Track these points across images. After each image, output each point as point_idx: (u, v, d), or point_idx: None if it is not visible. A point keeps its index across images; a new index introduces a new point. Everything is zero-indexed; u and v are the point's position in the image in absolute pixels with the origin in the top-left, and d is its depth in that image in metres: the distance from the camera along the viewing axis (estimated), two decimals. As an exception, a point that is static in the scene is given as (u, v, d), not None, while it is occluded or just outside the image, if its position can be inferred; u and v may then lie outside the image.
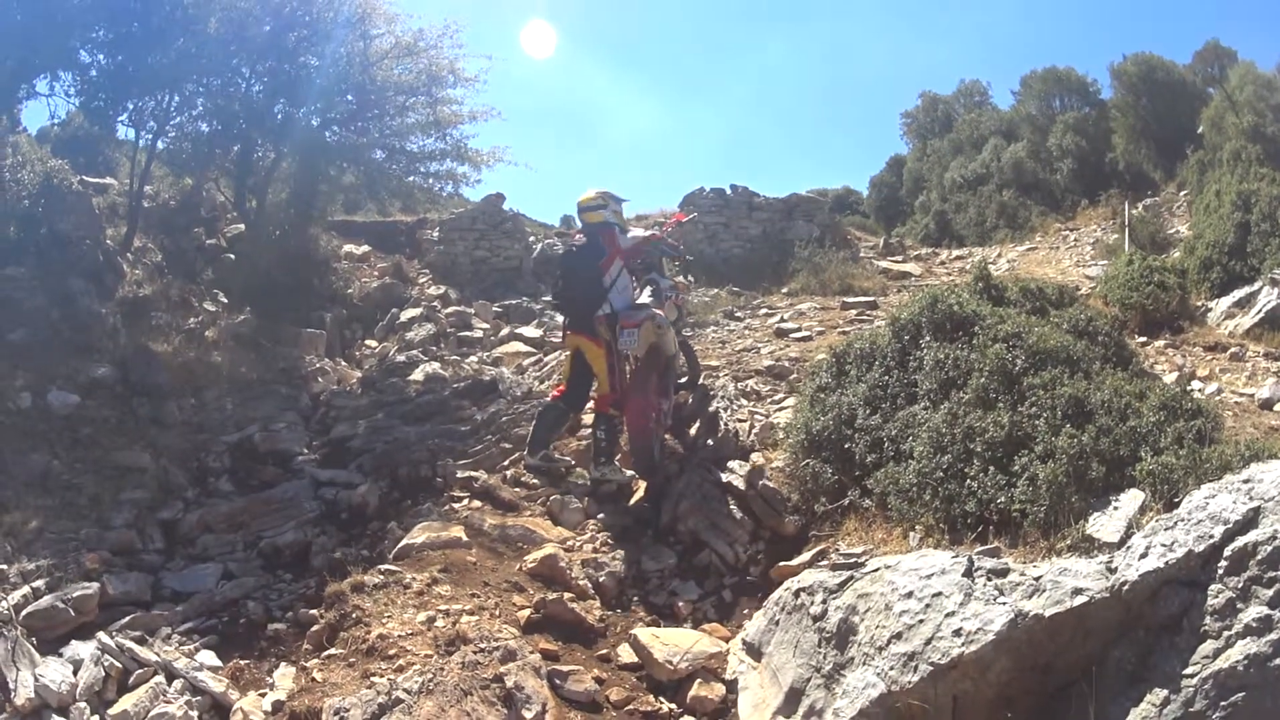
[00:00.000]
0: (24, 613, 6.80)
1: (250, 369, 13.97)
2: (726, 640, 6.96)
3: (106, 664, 6.41)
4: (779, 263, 20.11)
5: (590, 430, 9.92)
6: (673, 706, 6.26)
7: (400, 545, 7.93)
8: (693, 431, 10.22)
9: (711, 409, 10.24)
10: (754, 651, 6.53)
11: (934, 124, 36.74)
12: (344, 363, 16.02)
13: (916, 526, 6.90)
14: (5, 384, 10.62)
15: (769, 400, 10.83)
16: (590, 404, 9.90)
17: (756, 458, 9.13)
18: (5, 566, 7.40)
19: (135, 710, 6.03)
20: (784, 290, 18.42)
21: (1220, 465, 5.97)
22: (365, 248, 22.21)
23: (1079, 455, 6.46)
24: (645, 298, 9.83)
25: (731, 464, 9.04)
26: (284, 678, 6.41)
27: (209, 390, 12.86)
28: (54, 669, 6.20)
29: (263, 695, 6.25)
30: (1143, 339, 12.52)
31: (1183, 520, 5.28)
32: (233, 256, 17.76)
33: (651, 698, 6.31)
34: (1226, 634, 4.66)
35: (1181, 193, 22.62)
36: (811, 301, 16.79)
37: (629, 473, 9.52)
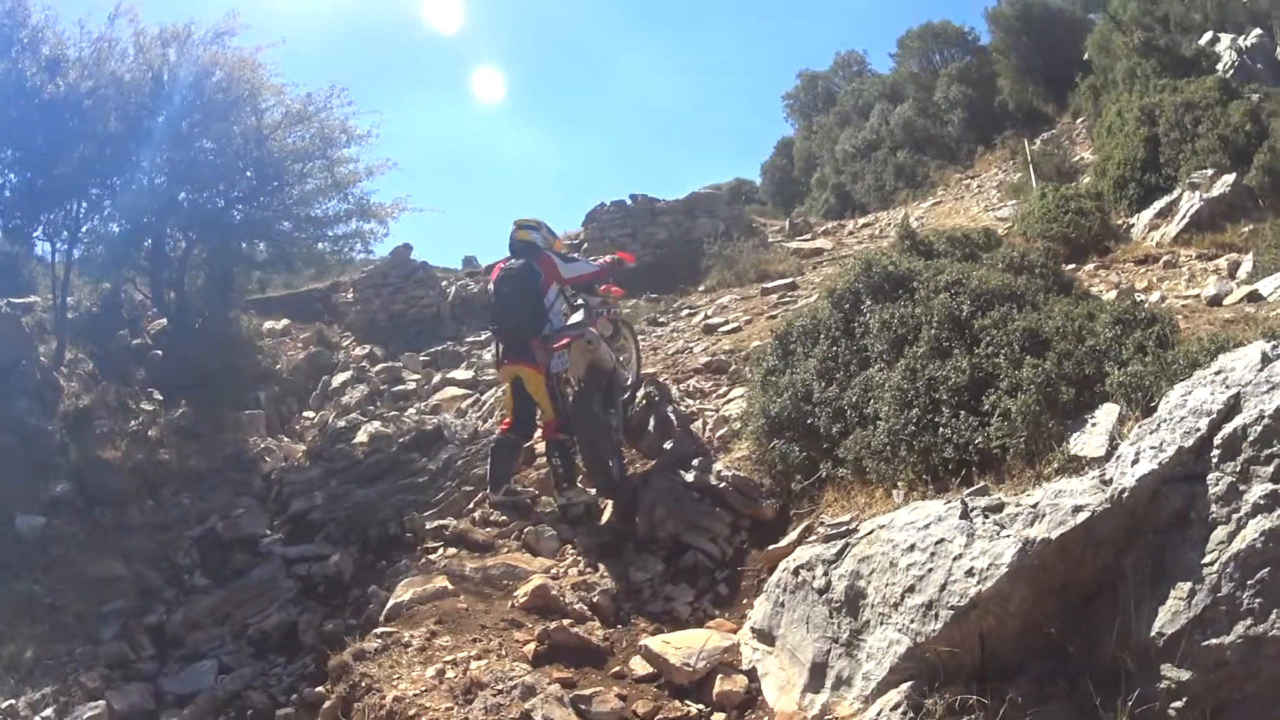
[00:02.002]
0: (39, 744, 6.66)
1: (199, 460, 13.79)
2: (734, 633, 6.95)
3: (127, 782, 6.27)
4: (691, 262, 20.19)
5: (546, 458, 9.87)
6: (700, 707, 6.22)
7: (389, 606, 7.76)
8: (647, 439, 10.19)
9: (661, 414, 10.25)
10: (766, 637, 6.53)
11: (816, 101, 37.29)
12: (286, 438, 15.88)
13: (899, 483, 6.92)
14: (-28, 517, 10.42)
15: (714, 395, 10.96)
16: (540, 432, 9.84)
17: (721, 454, 9.17)
18: (14, 700, 7.35)
19: (167, 824, 5.94)
20: (701, 288, 18.56)
21: (1189, 363, 6.07)
22: (284, 321, 22.11)
23: (1046, 383, 6.53)
24: (576, 318, 9.77)
25: (696, 461, 9.07)
26: None
27: (164, 488, 12.70)
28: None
29: (292, 784, 6.10)
30: (1071, 266, 12.63)
31: (1165, 421, 5.34)
32: (160, 352, 17.53)
33: (677, 703, 6.26)
34: (1236, 517, 4.71)
35: (1078, 120, 22.98)
36: (731, 294, 16.92)
37: (593, 492, 9.46)
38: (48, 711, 7.24)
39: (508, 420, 9.83)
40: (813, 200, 31.96)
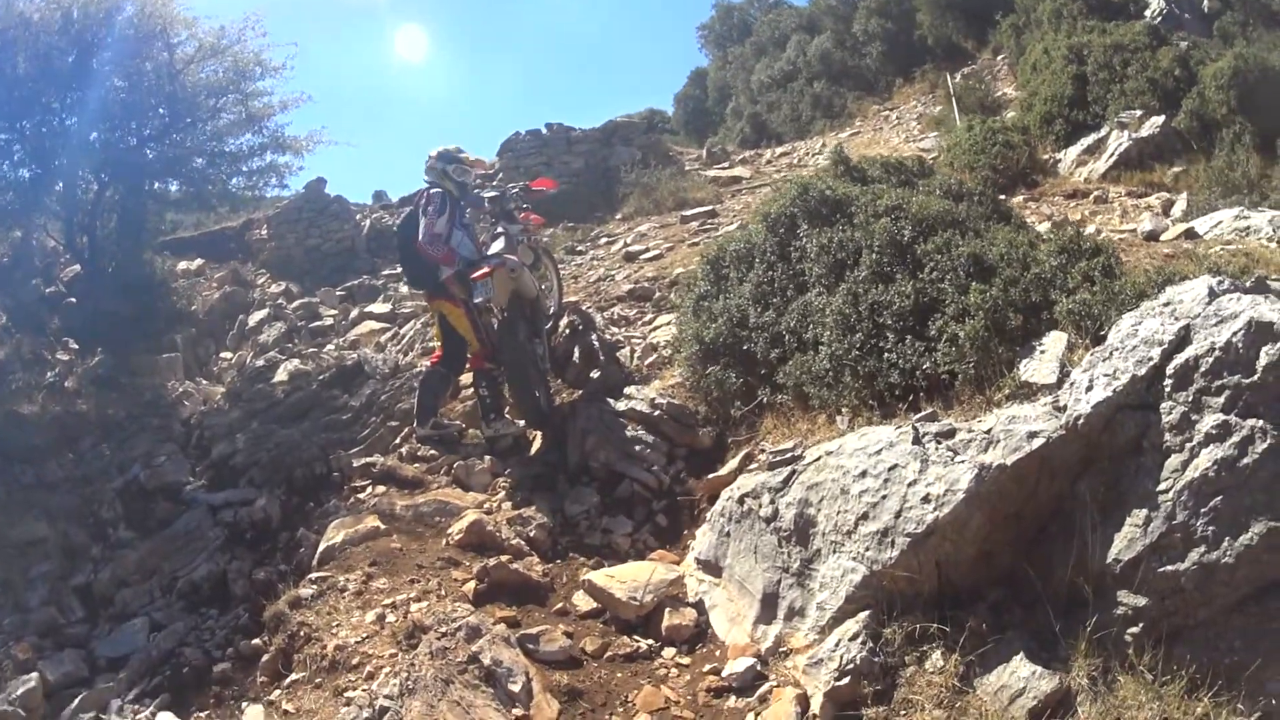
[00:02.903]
0: (-27, 727, 6.35)
1: (117, 409, 13.34)
2: (677, 564, 6.87)
3: (72, 759, 5.94)
4: (608, 190, 20.03)
5: (473, 390, 9.75)
6: (649, 642, 6.17)
7: (321, 549, 7.54)
8: (572, 369, 10.07)
9: (587, 342, 10.11)
10: (712, 568, 6.47)
11: (732, 31, 36.84)
12: (204, 381, 15.45)
13: (842, 409, 6.87)
14: (-120, 484, 9.87)
15: (639, 323, 10.86)
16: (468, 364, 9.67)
17: (651, 382, 9.12)
18: None
19: (112, 796, 5.61)
20: (618, 216, 18.36)
21: (1136, 294, 6.12)
22: (198, 261, 21.55)
23: (994, 309, 6.49)
24: (497, 247, 9.54)
25: (628, 390, 8.95)
26: (255, 719, 5.96)
27: (83, 440, 12.28)
28: (20, 783, 5.78)
29: (239, 745, 5.85)
30: (1000, 198, 12.63)
31: (1117, 349, 5.37)
32: (74, 300, 17.08)
33: (625, 638, 6.21)
34: (1189, 445, 4.79)
35: (999, 57, 23.00)
36: (649, 222, 16.73)
37: (521, 423, 9.35)
38: (-22, 690, 6.88)
39: (438, 353, 9.67)
40: (727, 130, 31.71)
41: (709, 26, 38.58)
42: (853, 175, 9.63)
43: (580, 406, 9.06)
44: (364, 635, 6.08)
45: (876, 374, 6.76)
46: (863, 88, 27.08)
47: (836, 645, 5.16)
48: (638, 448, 8.36)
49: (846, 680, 4.98)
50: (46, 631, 8.02)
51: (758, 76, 30.89)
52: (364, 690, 5.48)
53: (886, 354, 6.77)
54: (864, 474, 5.55)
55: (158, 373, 15.02)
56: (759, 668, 5.59)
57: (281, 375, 13.07)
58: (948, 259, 7.07)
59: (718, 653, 5.96)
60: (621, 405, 8.74)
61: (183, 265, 21.05)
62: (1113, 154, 14.12)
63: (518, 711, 5.37)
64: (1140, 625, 4.66)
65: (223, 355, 16.94)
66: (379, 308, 16.31)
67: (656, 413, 8.49)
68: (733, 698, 5.51)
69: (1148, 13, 19.10)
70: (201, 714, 6.40)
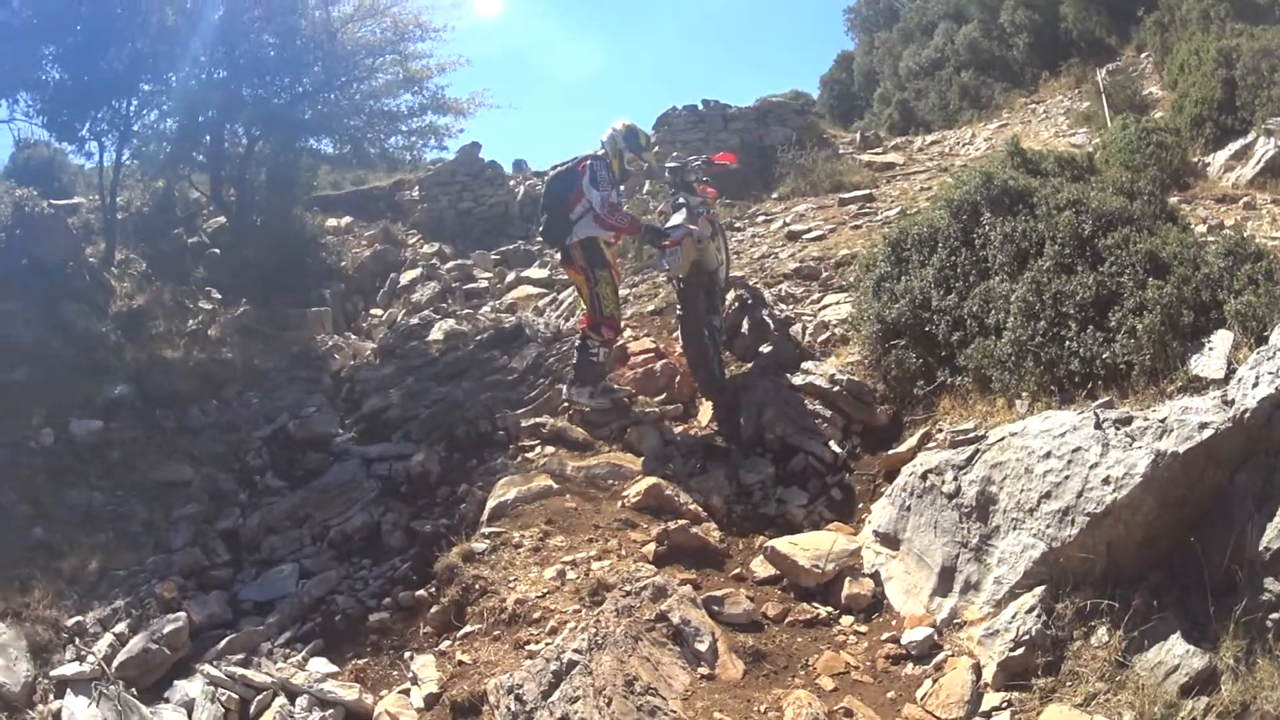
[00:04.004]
0: (116, 662, 6.52)
1: (263, 359, 13.62)
2: (853, 536, 7.04)
3: (223, 698, 6.11)
4: (764, 169, 19.61)
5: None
6: (828, 609, 6.36)
7: (491, 506, 7.69)
8: (741, 341, 10.20)
9: (757, 316, 10.24)
10: (889, 541, 6.64)
11: (878, 16, 36.44)
12: (353, 336, 15.75)
13: (1023, 394, 6.99)
14: (22, 423, 9.98)
15: (807, 301, 10.86)
16: (628, 330, 9.84)
17: (824, 359, 9.22)
18: (81, 617, 7.14)
19: (268, 739, 5.79)
20: (774, 195, 18.07)
21: None
22: (346, 219, 21.95)
23: (1169, 305, 6.60)
24: (678, 219, 9.58)
25: (806, 365, 9.05)
26: (425, 668, 6.13)
27: (228, 388, 12.48)
28: (169, 718, 6.01)
29: (405, 693, 6.00)
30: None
31: None
32: (218, 251, 17.47)
33: (805, 605, 6.39)
34: None
35: (1142, 55, 22.63)
36: (806, 203, 16.52)
37: (604, 402, 9.46)
38: (120, 627, 7.01)
39: (585, 318, 9.74)
40: (874, 115, 31.32)
41: (856, 10, 38.22)
42: (1027, 167, 9.70)
43: (755, 379, 9.18)
44: (544, 590, 6.28)
45: (1057, 361, 6.89)
46: (1008, 79, 26.70)
47: (1013, 618, 5.38)
48: (814, 422, 8.48)
49: (1021, 651, 5.20)
50: (190, 573, 8.16)
51: (905, 63, 30.58)
52: (548, 644, 5.66)
53: (1068, 342, 6.89)
54: (1048, 455, 5.73)
55: (305, 326, 15.35)
56: (935, 638, 5.79)
57: (436, 334, 13.18)
58: (1126, 254, 7.16)
59: (893, 622, 6.14)
60: (799, 380, 8.87)
61: (331, 222, 21.45)
62: (1259, 161, 13.94)
63: (704, 670, 5.58)
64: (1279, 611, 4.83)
65: (373, 312, 17.22)
66: (536, 273, 16.50)
67: (835, 389, 8.61)
68: (910, 665, 5.71)
69: (1289, 18, 18.82)
70: (359, 661, 6.57)
